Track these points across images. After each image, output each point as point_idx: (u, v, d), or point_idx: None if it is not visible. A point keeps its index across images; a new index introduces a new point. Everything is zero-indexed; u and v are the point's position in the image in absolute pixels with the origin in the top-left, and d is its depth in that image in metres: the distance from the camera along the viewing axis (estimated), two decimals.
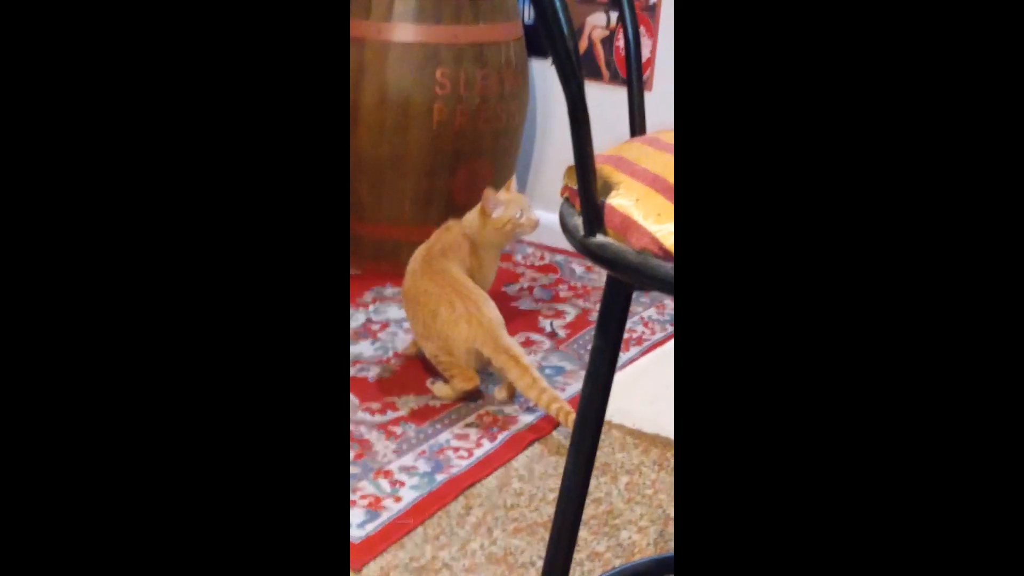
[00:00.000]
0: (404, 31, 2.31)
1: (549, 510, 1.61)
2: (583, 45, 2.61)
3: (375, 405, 1.88)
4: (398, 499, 1.60)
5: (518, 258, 2.63)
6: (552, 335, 2.22)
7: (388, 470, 1.68)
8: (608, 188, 0.88)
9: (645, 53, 2.52)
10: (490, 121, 2.40)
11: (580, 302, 2.38)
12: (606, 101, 2.51)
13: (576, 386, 1.99)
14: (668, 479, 1.71)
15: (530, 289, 2.46)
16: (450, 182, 2.41)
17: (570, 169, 0.91)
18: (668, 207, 0.83)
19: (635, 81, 1.03)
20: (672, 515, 1.60)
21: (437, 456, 1.73)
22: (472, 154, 2.40)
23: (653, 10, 2.50)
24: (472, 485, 1.66)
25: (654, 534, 1.56)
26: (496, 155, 2.46)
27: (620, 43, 2.57)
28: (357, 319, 2.23)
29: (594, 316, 2.32)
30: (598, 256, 0.86)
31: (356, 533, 1.51)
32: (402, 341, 2.14)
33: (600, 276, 2.54)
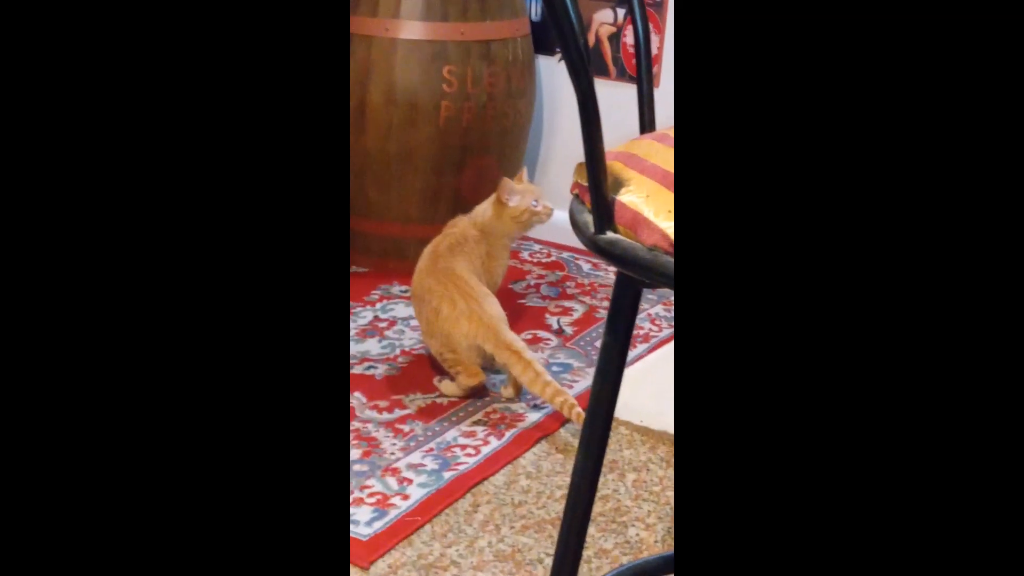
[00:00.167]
0: (411, 28, 2.31)
1: (557, 507, 1.61)
2: (590, 41, 2.60)
3: (382, 403, 1.88)
4: (406, 497, 1.60)
5: (525, 255, 2.63)
6: (559, 332, 2.22)
7: (396, 468, 1.68)
8: (618, 185, 0.88)
9: (652, 49, 2.51)
10: (497, 118, 2.40)
11: (587, 299, 2.38)
12: (613, 98, 2.50)
13: (583, 383, 1.99)
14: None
15: (537, 286, 2.45)
16: (457, 179, 2.41)
17: (580, 166, 0.91)
18: None
19: (645, 77, 1.03)
20: None
21: (445, 454, 1.73)
22: (479, 151, 2.40)
23: (660, 6, 2.49)
24: (480, 482, 1.66)
25: (662, 531, 1.56)
26: (503, 152, 2.46)
27: (627, 39, 2.57)
28: (364, 317, 2.23)
29: (601, 313, 2.32)
30: (608, 253, 0.86)
31: (364, 531, 1.51)
32: (409, 339, 2.14)
33: (607, 273, 2.54)
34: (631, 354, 2.11)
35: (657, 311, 2.34)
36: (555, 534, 1.54)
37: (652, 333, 2.23)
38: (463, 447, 1.75)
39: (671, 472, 1.72)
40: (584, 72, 0.82)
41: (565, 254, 2.65)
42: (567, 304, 2.35)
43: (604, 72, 2.59)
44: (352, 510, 1.56)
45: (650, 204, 0.84)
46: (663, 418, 1.83)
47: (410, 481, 1.65)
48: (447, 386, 1.92)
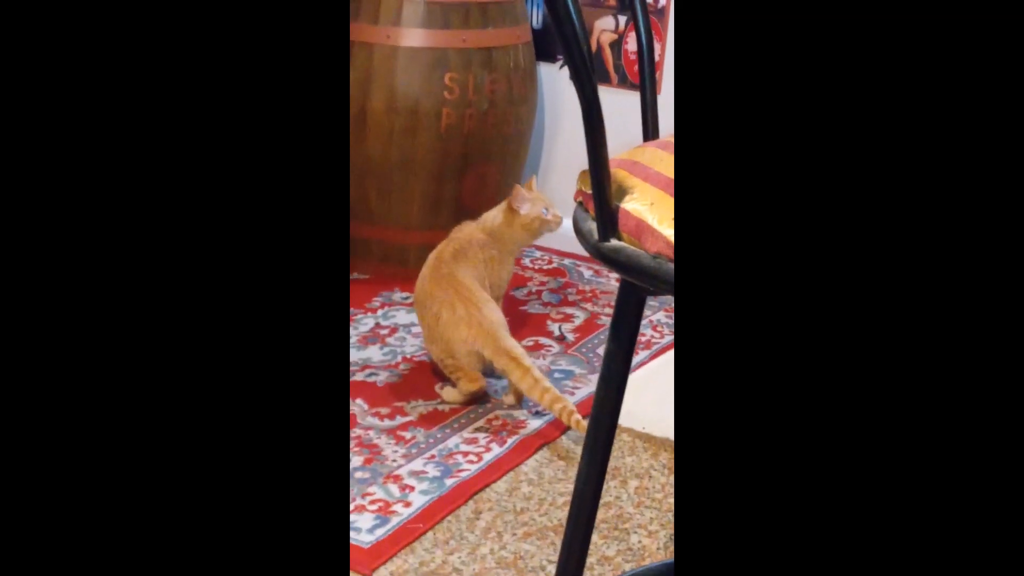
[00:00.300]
0: (413, 36, 2.31)
1: (559, 514, 1.61)
2: (591, 48, 2.61)
3: (384, 410, 1.88)
4: (408, 504, 1.60)
5: (526, 262, 2.63)
6: (561, 339, 2.22)
7: (398, 475, 1.68)
8: (622, 192, 0.88)
9: (654, 56, 2.52)
10: (498, 125, 2.40)
11: (589, 306, 2.38)
12: (615, 105, 2.50)
13: (585, 390, 1.99)
14: None
15: (539, 293, 2.45)
16: (459, 186, 2.41)
17: (584, 173, 0.91)
18: None
19: (648, 85, 1.03)
20: None
21: (446, 461, 1.73)
22: (480, 158, 2.40)
23: (662, 13, 2.50)
24: (482, 490, 1.66)
25: (664, 538, 1.56)
26: (504, 159, 2.46)
27: (628, 46, 2.58)
28: (366, 324, 2.23)
29: (603, 320, 2.32)
30: (612, 260, 0.86)
31: (366, 538, 1.51)
32: (411, 346, 2.14)
33: (609, 280, 2.54)
34: (634, 361, 2.11)
35: (659, 318, 2.34)
36: (557, 541, 1.54)
37: (654, 340, 2.23)
38: (465, 454, 1.75)
39: (673, 479, 1.72)
40: (588, 80, 0.82)
41: (567, 260, 2.65)
42: (569, 311, 2.35)
43: (605, 79, 2.60)
44: (354, 517, 1.56)
45: (654, 212, 0.85)
46: (665, 425, 1.83)
47: (412, 488, 1.64)
48: (449, 393, 1.92)
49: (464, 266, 1.95)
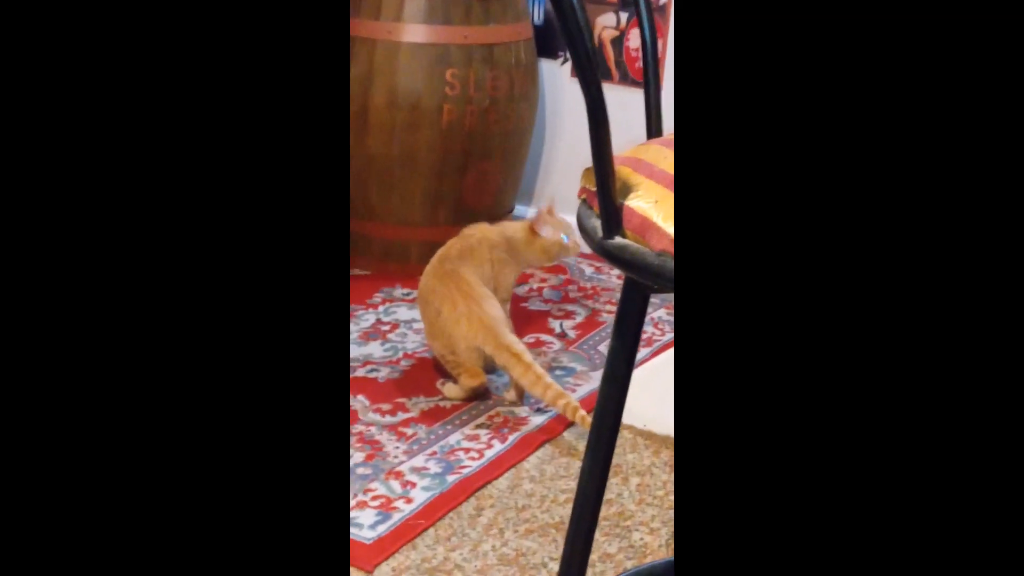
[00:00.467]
0: (414, 32, 2.31)
1: (560, 511, 1.61)
2: None
3: (385, 406, 1.88)
4: (409, 500, 1.60)
5: None
6: (562, 336, 2.22)
7: (399, 471, 1.68)
8: (626, 190, 0.88)
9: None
10: (500, 122, 2.40)
11: (590, 303, 2.38)
12: (616, 102, 2.50)
13: (587, 387, 1.99)
14: None
15: (540, 290, 2.45)
16: (460, 183, 2.41)
17: (588, 171, 0.91)
18: None
19: (652, 82, 1.03)
20: None
21: (448, 457, 1.73)
22: (482, 155, 2.40)
23: (663, 10, 2.49)
24: (483, 486, 1.66)
25: (666, 536, 1.56)
26: (506, 156, 2.46)
27: (629, 43, 2.57)
28: (367, 320, 2.23)
29: (604, 317, 2.32)
30: (617, 258, 0.86)
31: (368, 534, 1.51)
32: (412, 342, 2.14)
33: (609, 277, 2.54)
34: None
35: (660, 315, 2.34)
36: (559, 538, 1.54)
37: (655, 337, 2.23)
38: (466, 450, 1.75)
39: (674, 476, 1.72)
40: (593, 77, 0.82)
41: (568, 258, 2.65)
42: (570, 308, 2.35)
43: (607, 76, 2.59)
44: (355, 513, 1.56)
45: (659, 209, 0.84)
46: (666, 422, 1.83)
47: (413, 484, 1.64)
48: (450, 389, 1.92)
49: (469, 265, 1.95)
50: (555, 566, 1.48)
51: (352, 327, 2.18)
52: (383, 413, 1.86)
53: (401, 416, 1.85)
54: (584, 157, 0.85)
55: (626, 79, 2.58)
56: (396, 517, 1.56)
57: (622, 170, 0.91)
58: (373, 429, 1.80)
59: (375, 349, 2.10)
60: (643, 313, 0.94)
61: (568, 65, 2.67)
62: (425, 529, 1.54)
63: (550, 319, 2.29)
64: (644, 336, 2.23)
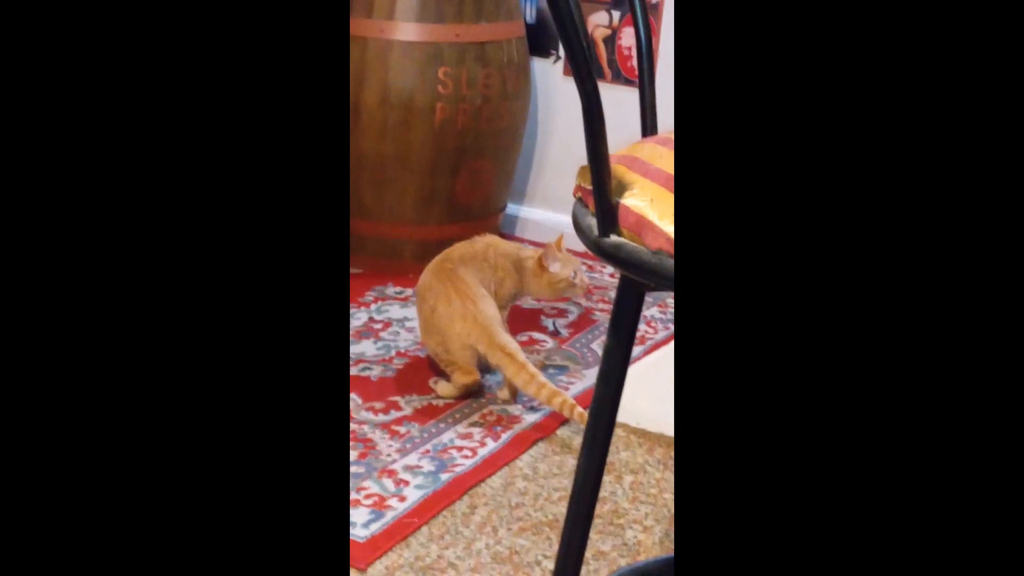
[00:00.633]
0: (406, 30, 2.31)
1: (554, 509, 1.61)
2: None
3: (378, 404, 1.88)
4: (403, 498, 1.60)
5: None
6: (555, 334, 2.22)
7: (392, 469, 1.68)
8: (622, 188, 0.88)
9: None
10: (492, 120, 2.40)
11: (583, 301, 2.38)
12: (609, 100, 2.50)
13: (580, 385, 1.99)
14: (673, 478, 1.71)
15: None
16: (452, 181, 2.41)
17: (583, 169, 0.91)
18: None
19: (647, 81, 1.03)
20: None
21: (441, 455, 1.73)
22: (474, 153, 2.40)
23: (656, 9, 2.50)
24: (477, 484, 1.66)
25: (659, 533, 1.56)
26: (498, 154, 2.46)
27: (622, 42, 2.57)
28: (359, 318, 2.23)
29: (597, 315, 2.32)
30: (613, 256, 0.86)
31: (361, 532, 1.51)
32: (405, 340, 2.14)
33: (602, 275, 2.54)
34: None
35: (653, 313, 2.35)
36: (552, 536, 1.54)
37: (648, 335, 2.24)
38: (460, 449, 1.75)
39: (668, 474, 1.72)
40: (589, 75, 0.82)
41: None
42: (562, 306, 2.35)
43: (600, 75, 2.59)
44: (349, 512, 1.56)
45: (655, 208, 0.85)
46: (660, 420, 1.83)
47: (407, 483, 1.64)
48: (443, 387, 1.92)
49: (471, 267, 1.95)
50: (549, 564, 1.48)
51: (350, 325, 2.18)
52: (376, 411, 1.86)
53: (394, 414, 1.85)
54: (577, 155, 0.85)
55: (619, 78, 2.58)
56: (389, 515, 1.56)
57: (617, 168, 0.91)
58: (366, 427, 1.80)
59: (368, 347, 2.10)
60: (639, 311, 0.95)
61: (561, 64, 2.67)
62: (418, 527, 1.54)
63: (543, 317, 2.29)
64: (637, 334, 2.23)
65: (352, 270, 2.46)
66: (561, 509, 1.61)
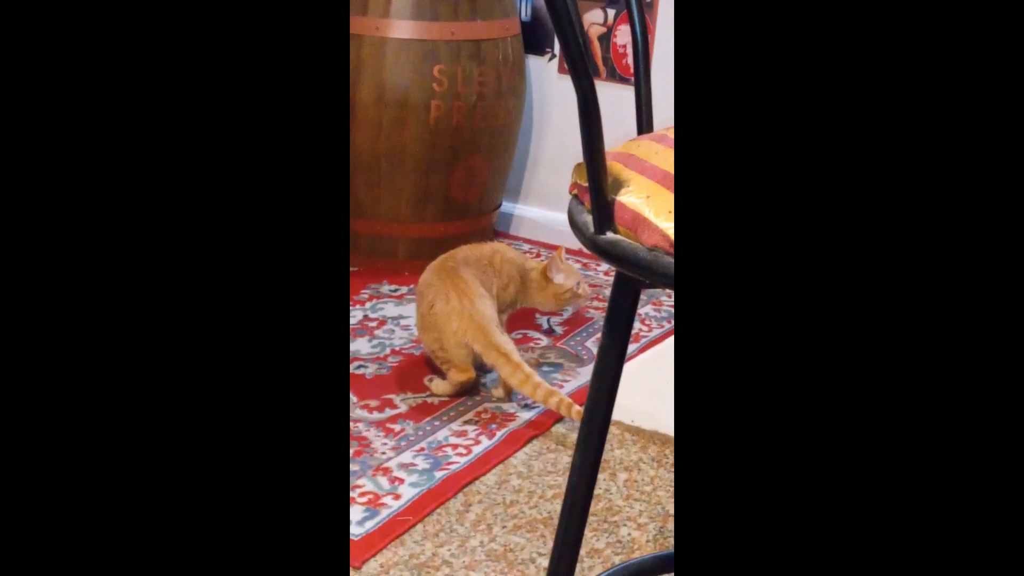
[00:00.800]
0: (401, 27, 2.30)
1: (548, 507, 1.61)
2: None
3: (373, 402, 1.88)
4: (397, 496, 1.60)
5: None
6: (549, 332, 2.22)
7: (387, 467, 1.68)
8: (618, 185, 0.88)
9: None
10: (487, 118, 2.40)
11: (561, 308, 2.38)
12: (604, 98, 2.50)
13: (574, 383, 1.99)
14: (667, 476, 1.71)
15: None
16: (447, 179, 2.41)
17: (579, 166, 0.91)
18: None
19: (642, 78, 1.03)
20: (672, 512, 1.60)
21: (436, 453, 1.73)
22: (469, 151, 2.40)
23: (650, 7, 2.50)
24: (471, 482, 1.66)
25: (653, 531, 1.56)
26: (493, 152, 2.46)
27: (617, 40, 2.58)
28: (354, 316, 2.23)
29: (591, 313, 2.32)
30: (609, 254, 0.86)
31: (356, 530, 1.51)
32: (399, 338, 2.13)
33: (596, 273, 2.54)
34: None
35: (647, 311, 2.35)
36: (547, 534, 1.54)
37: (643, 333, 2.24)
38: (454, 446, 1.75)
39: (662, 472, 1.73)
40: (585, 73, 0.82)
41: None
42: (542, 311, 2.35)
43: (594, 72, 2.59)
44: None
45: (650, 205, 0.85)
46: (654, 418, 1.84)
47: (401, 480, 1.64)
48: (438, 385, 1.92)
49: (474, 268, 1.95)
50: (543, 561, 1.48)
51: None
52: (371, 409, 1.86)
53: (389, 412, 1.85)
54: (571, 153, 0.85)
55: (613, 75, 2.58)
56: (384, 513, 1.56)
57: (613, 166, 0.91)
58: (361, 425, 1.80)
59: (363, 345, 2.09)
60: (634, 309, 0.94)
61: (555, 61, 2.67)
62: (413, 525, 1.54)
63: (537, 315, 2.29)
64: (632, 332, 2.23)
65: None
66: (555, 506, 1.61)
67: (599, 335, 2.18)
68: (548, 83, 2.69)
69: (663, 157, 0.91)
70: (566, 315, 2.29)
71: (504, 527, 1.55)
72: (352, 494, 1.60)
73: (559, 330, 2.22)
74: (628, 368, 2.04)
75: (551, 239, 2.67)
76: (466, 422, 1.83)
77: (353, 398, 1.89)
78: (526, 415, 1.86)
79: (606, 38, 2.58)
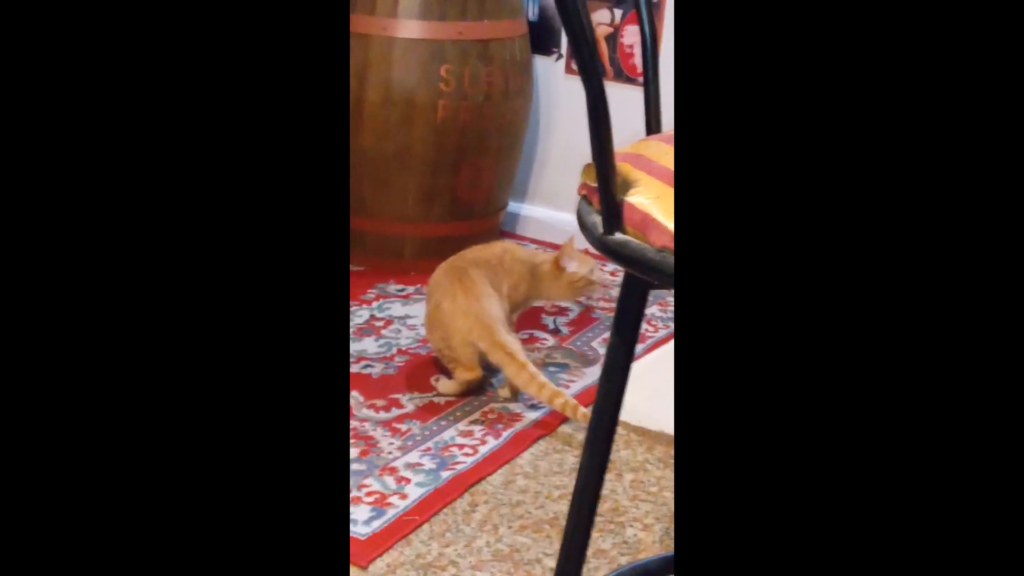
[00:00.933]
0: (409, 27, 2.30)
1: (555, 507, 1.61)
2: None
3: (380, 402, 1.88)
4: (404, 496, 1.60)
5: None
6: (556, 332, 2.22)
7: (393, 467, 1.68)
8: (627, 186, 0.88)
9: None
10: (494, 118, 2.40)
11: (583, 299, 2.38)
12: (610, 99, 2.50)
13: (580, 384, 1.99)
14: (673, 476, 1.71)
15: None
16: (454, 179, 2.41)
17: (588, 167, 0.91)
18: None
19: (651, 78, 1.03)
20: None
21: (442, 453, 1.73)
22: (476, 151, 2.40)
23: (658, 7, 2.50)
24: (478, 482, 1.66)
25: (660, 531, 1.56)
26: (500, 152, 2.46)
27: (623, 40, 2.57)
28: (361, 316, 2.23)
29: (597, 313, 2.32)
30: (618, 254, 0.86)
31: (362, 530, 1.51)
32: (406, 338, 2.14)
33: (602, 273, 2.54)
34: None
35: (653, 312, 2.35)
36: (553, 534, 1.54)
37: (648, 334, 2.24)
38: (461, 446, 1.75)
39: (668, 472, 1.72)
40: (595, 73, 0.82)
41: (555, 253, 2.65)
42: (563, 304, 2.35)
43: (601, 73, 2.59)
44: (350, 509, 1.56)
45: (659, 205, 0.85)
46: (660, 418, 1.84)
47: (408, 480, 1.64)
48: (444, 385, 1.92)
49: (484, 269, 1.94)
50: (549, 562, 1.48)
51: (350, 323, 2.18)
52: (377, 409, 1.86)
53: (395, 412, 1.85)
54: (578, 154, 0.85)
55: (620, 76, 2.58)
56: (390, 513, 1.56)
57: (622, 166, 0.91)
58: (367, 425, 1.80)
59: (369, 345, 2.10)
60: (642, 309, 0.95)
61: (563, 62, 2.67)
62: (419, 525, 1.54)
63: (543, 315, 2.29)
64: None
65: (353, 268, 2.46)
66: (562, 507, 1.61)
67: (605, 335, 2.18)
68: (555, 83, 2.69)
69: (672, 158, 0.91)
70: (572, 315, 2.29)
71: (510, 527, 1.55)
72: (359, 494, 1.60)
73: (565, 330, 2.22)
74: (634, 369, 2.03)
75: (557, 239, 2.67)
76: (472, 422, 1.83)
77: (360, 398, 1.89)
78: (532, 415, 1.86)
79: (613, 38, 2.58)
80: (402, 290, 2.37)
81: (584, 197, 0.95)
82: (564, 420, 1.84)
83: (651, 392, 1.92)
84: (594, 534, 1.54)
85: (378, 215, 2.42)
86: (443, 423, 1.83)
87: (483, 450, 1.74)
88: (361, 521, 1.53)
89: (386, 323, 2.20)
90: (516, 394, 1.91)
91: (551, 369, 2.04)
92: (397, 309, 2.27)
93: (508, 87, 2.41)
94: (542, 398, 1.79)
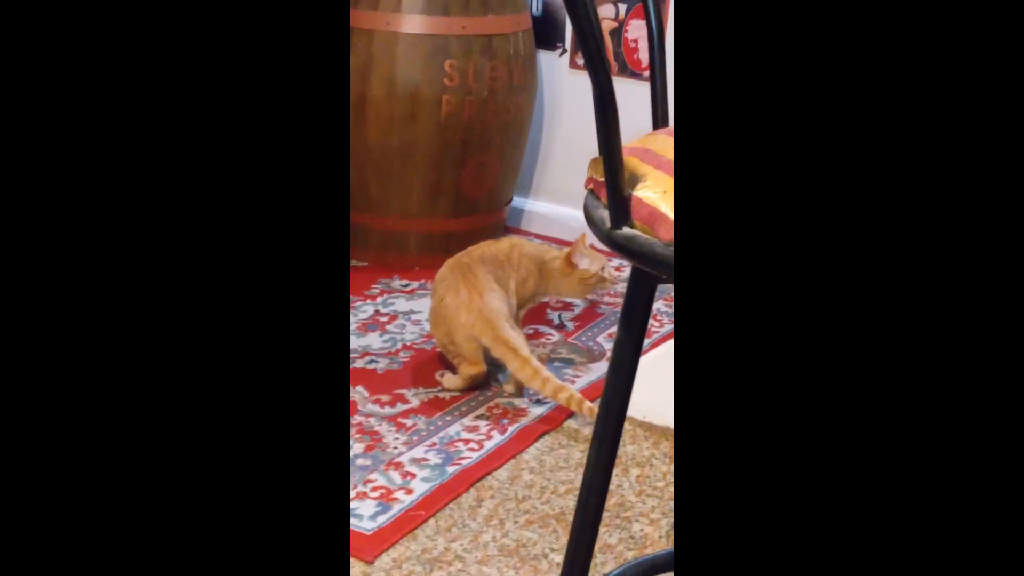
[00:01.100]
0: (413, 22, 2.30)
1: (560, 502, 1.61)
2: None
3: (385, 397, 1.88)
4: (409, 491, 1.60)
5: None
6: (561, 327, 2.22)
7: (399, 462, 1.68)
8: (634, 180, 0.88)
9: None
10: (498, 113, 2.40)
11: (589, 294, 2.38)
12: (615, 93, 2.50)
13: (586, 378, 1.99)
14: None
15: None
16: (458, 174, 2.40)
17: (595, 161, 0.91)
18: None
19: (658, 73, 1.03)
20: None
21: (448, 448, 1.73)
22: (480, 146, 2.40)
23: (663, 2, 2.49)
24: (483, 477, 1.66)
25: (666, 527, 1.56)
26: (504, 147, 2.46)
27: (628, 34, 2.57)
28: (365, 311, 2.23)
29: (603, 308, 2.32)
30: (626, 248, 0.86)
31: (368, 525, 1.51)
32: (411, 333, 2.13)
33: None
34: None
35: (658, 307, 2.35)
36: (559, 529, 1.54)
37: (654, 328, 2.24)
38: (466, 441, 1.75)
39: (674, 468, 1.72)
40: (602, 67, 0.81)
41: (565, 250, 2.65)
42: (568, 299, 2.35)
43: None
44: (356, 504, 1.56)
45: (667, 200, 0.84)
46: (666, 413, 1.83)
47: (413, 475, 1.64)
48: (449, 380, 1.92)
49: (490, 265, 1.94)
50: (556, 557, 1.48)
51: (351, 318, 2.18)
52: (382, 404, 1.86)
53: (400, 407, 1.85)
54: (583, 149, 0.85)
55: (624, 71, 2.58)
56: (396, 508, 1.56)
57: (630, 160, 0.90)
58: (372, 420, 1.80)
59: (374, 340, 2.10)
60: (650, 303, 0.94)
61: (567, 56, 2.67)
62: (425, 520, 1.54)
63: (548, 310, 2.29)
64: None
65: (357, 263, 2.46)
66: (568, 502, 1.61)
67: (611, 330, 2.18)
68: (559, 78, 2.69)
69: None
70: (577, 311, 2.29)
71: (516, 522, 1.55)
72: (364, 489, 1.60)
73: (570, 325, 2.22)
74: (640, 364, 2.03)
75: (562, 234, 2.67)
76: (478, 417, 1.83)
77: (365, 393, 1.89)
78: (538, 410, 1.86)
79: (617, 33, 2.58)
80: (407, 285, 2.37)
81: (591, 191, 0.95)
82: (569, 415, 1.84)
83: (656, 387, 1.92)
84: (601, 529, 1.54)
85: (382, 210, 2.42)
86: (448, 418, 1.82)
87: (488, 445, 1.74)
88: (367, 516, 1.53)
89: (391, 318, 2.20)
90: (521, 390, 1.91)
91: (556, 364, 2.04)
92: (402, 304, 2.27)
93: (512, 82, 2.41)
94: (546, 393, 1.79)
